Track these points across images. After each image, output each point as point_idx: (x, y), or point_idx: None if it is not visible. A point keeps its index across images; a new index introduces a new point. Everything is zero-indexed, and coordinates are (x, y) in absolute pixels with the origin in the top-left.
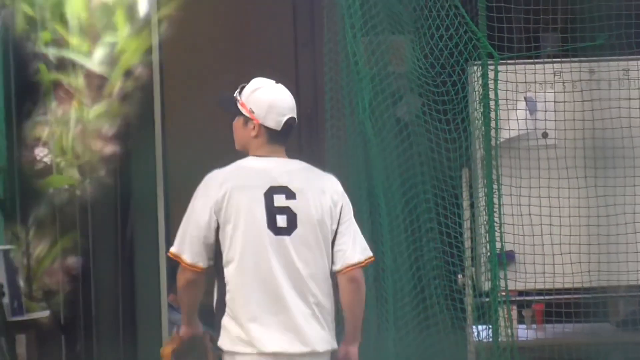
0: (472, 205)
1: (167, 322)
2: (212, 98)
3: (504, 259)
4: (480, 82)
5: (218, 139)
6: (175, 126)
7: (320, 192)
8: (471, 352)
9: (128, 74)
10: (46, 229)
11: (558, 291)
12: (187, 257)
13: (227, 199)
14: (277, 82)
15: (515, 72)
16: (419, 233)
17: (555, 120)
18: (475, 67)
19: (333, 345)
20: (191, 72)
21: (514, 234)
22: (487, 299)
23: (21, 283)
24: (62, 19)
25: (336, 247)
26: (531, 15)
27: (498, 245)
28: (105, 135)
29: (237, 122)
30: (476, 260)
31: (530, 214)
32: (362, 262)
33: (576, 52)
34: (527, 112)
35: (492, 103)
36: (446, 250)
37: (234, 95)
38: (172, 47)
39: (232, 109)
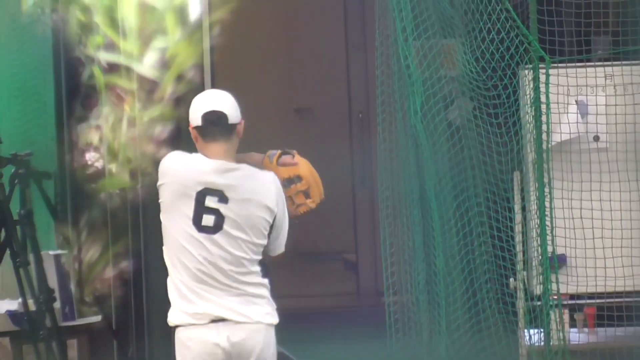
0: (523, 209)
1: None
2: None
3: (556, 263)
4: (531, 85)
5: (269, 144)
6: None
7: (257, 205)
8: (523, 356)
9: (180, 77)
10: (98, 234)
11: (610, 294)
12: None
13: (164, 190)
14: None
15: (567, 76)
16: (470, 237)
17: (606, 124)
18: (526, 71)
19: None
20: (243, 76)
21: (565, 238)
22: (539, 303)
23: (72, 288)
24: (114, 24)
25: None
26: (582, 19)
27: (550, 248)
28: (157, 139)
29: None
30: (528, 263)
31: (581, 217)
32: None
33: (627, 55)
34: (579, 115)
35: (543, 106)
36: (498, 253)
37: None
38: (224, 51)
39: None
